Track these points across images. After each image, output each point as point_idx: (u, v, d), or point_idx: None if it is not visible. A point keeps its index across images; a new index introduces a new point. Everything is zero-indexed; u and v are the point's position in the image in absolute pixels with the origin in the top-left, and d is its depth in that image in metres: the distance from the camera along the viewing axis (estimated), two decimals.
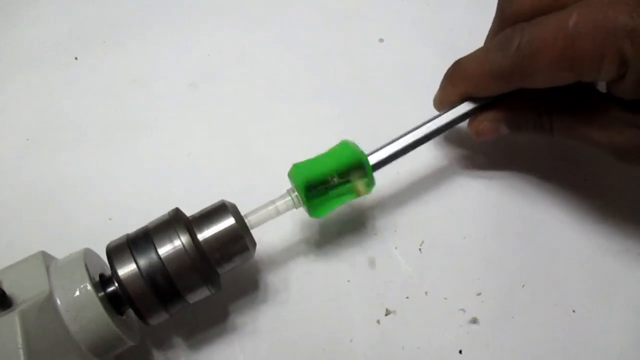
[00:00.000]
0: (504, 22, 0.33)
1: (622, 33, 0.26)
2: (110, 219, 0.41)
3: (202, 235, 0.31)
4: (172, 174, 0.42)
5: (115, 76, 0.47)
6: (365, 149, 0.42)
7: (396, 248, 0.38)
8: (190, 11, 0.49)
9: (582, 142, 0.33)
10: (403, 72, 0.45)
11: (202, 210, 0.33)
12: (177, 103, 0.45)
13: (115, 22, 0.49)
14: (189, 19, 0.49)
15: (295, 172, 0.33)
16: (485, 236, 0.38)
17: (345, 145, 0.34)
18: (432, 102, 0.38)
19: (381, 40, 0.47)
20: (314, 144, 0.43)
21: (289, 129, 0.43)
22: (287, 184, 0.41)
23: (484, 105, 0.36)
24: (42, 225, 0.41)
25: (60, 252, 0.33)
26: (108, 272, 0.32)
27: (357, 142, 0.43)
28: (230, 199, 0.39)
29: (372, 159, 0.34)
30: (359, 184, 0.34)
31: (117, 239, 0.32)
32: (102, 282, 0.31)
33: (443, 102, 0.37)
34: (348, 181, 0.33)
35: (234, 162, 0.42)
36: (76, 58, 0.47)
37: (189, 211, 0.34)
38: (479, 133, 0.36)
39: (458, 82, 0.35)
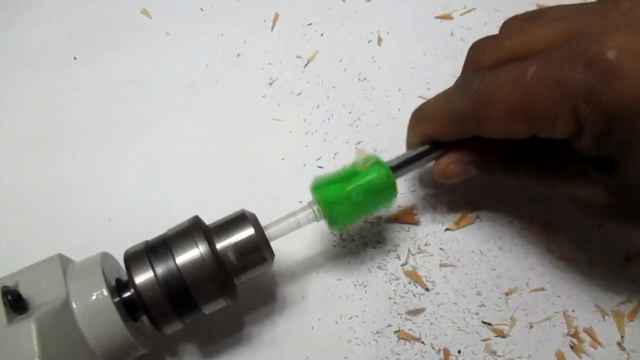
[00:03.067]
0: (469, 71, 0.33)
1: (577, 91, 0.26)
2: (109, 220, 0.41)
3: (220, 245, 0.31)
4: (171, 174, 0.42)
5: (115, 76, 0.47)
6: (368, 148, 0.42)
7: (408, 262, 0.38)
8: (189, 11, 0.49)
9: (546, 189, 0.33)
10: (403, 73, 0.45)
11: (222, 220, 0.33)
12: (176, 103, 0.45)
13: (115, 22, 0.49)
14: (188, 19, 0.49)
15: (317, 185, 0.33)
16: (489, 247, 0.38)
17: (368, 159, 0.34)
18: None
19: (381, 40, 0.47)
20: (315, 143, 0.43)
21: (289, 129, 0.44)
22: (288, 183, 0.41)
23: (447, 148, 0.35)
24: (42, 225, 0.41)
25: (60, 252, 0.33)
26: (124, 276, 0.33)
27: (355, 142, 0.43)
28: (230, 199, 0.39)
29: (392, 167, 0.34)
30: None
31: (136, 245, 0.32)
32: (118, 287, 0.31)
33: (407, 144, 0.37)
34: (369, 194, 0.33)
35: (234, 162, 0.42)
36: (75, 58, 0.47)
37: (190, 211, 0.34)
38: (446, 175, 0.35)
39: (420, 123, 0.35)
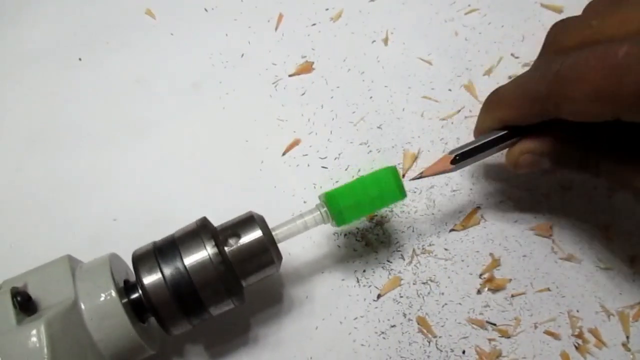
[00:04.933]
0: (549, 52, 0.32)
1: None
2: (115, 220, 0.41)
3: (228, 247, 0.31)
4: (175, 175, 0.42)
5: (119, 77, 0.47)
6: (370, 149, 0.42)
7: (412, 262, 0.38)
8: (194, 11, 0.49)
9: (628, 190, 0.31)
10: (407, 73, 0.45)
11: (230, 221, 0.33)
12: (180, 103, 0.45)
13: (119, 23, 0.49)
14: (192, 19, 0.49)
15: (329, 199, 0.33)
16: (493, 247, 0.39)
17: (383, 174, 0.34)
18: (438, 108, 0.38)
19: (387, 39, 0.47)
20: (319, 143, 0.43)
21: (293, 129, 0.44)
22: (292, 184, 0.41)
23: (520, 133, 0.34)
24: (46, 225, 0.41)
25: (65, 252, 0.33)
26: (132, 277, 0.33)
27: (359, 142, 0.43)
28: (234, 199, 0.39)
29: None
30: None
31: (144, 246, 0.32)
32: (126, 289, 0.31)
33: (478, 129, 0.36)
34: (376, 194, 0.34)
35: (238, 162, 0.43)
36: (80, 59, 0.47)
37: (194, 210, 0.34)
38: (517, 165, 0.34)
39: (493, 108, 0.34)
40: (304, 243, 0.39)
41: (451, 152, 0.34)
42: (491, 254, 0.38)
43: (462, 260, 0.38)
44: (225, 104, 0.45)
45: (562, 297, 0.37)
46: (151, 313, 0.30)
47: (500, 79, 0.44)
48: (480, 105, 0.36)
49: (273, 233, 0.33)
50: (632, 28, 0.27)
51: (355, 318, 0.37)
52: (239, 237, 0.31)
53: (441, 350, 0.35)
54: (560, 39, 0.31)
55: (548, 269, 0.37)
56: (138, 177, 0.42)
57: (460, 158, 0.34)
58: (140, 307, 0.31)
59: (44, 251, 0.33)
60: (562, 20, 0.32)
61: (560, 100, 0.29)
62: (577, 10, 0.32)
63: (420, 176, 0.35)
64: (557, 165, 0.34)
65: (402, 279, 0.38)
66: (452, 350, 0.35)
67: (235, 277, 0.31)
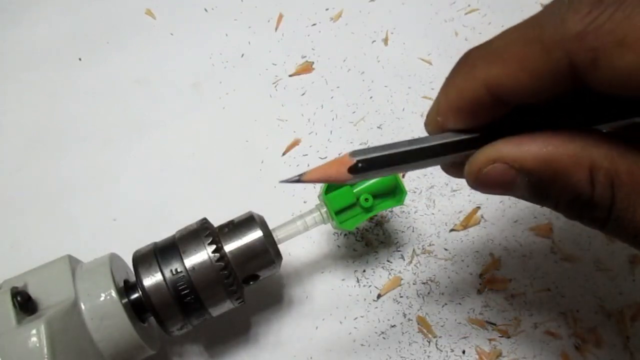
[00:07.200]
0: None
1: None
2: (114, 220, 0.41)
3: (228, 247, 0.31)
4: (176, 174, 0.42)
5: (119, 77, 0.46)
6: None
7: (412, 262, 0.39)
8: (194, 11, 0.49)
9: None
10: (406, 73, 0.45)
11: (230, 222, 0.33)
12: (180, 103, 0.45)
13: (119, 23, 0.49)
14: (192, 20, 0.49)
15: (329, 199, 0.33)
16: (493, 248, 0.39)
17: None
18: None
19: (387, 40, 0.47)
20: (319, 143, 0.43)
21: (293, 129, 0.44)
22: (292, 184, 0.41)
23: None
24: (46, 225, 0.41)
25: (65, 252, 0.33)
26: (132, 277, 0.33)
27: (359, 142, 0.43)
28: (234, 199, 0.39)
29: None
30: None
31: (145, 247, 0.32)
32: (126, 289, 0.31)
33: (443, 103, 0.23)
34: (378, 198, 0.34)
35: (238, 162, 0.43)
36: (80, 59, 0.47)
37: (194, 210, 0.34)
38: (479, 179, 0.23)
39: (475, 64, 0.21)
40: (304, 243, 0.39)
41: (353, 154, 0.22)
42: (491, 254, 0.38)
43: (462, 260, 0.38)
44: (225, 104, 0.45)
45: (562, 297, 0.37)
46: (151, 314, 0.30)
47: None
48: None
49: (273, 234, 0.33)
50: None
51: (355, 318, 0.37)
52: (239, 237, 0.31)
53: (441, 350, 0.36)
54: None
55: (548, 269, 0.37)
56: (138, 177, 0.42)
57: (366, 167, 0.22)
58: (140, 307, 0.31)
59: (44, 251, 0.34)
60: None
61: (607, 46, 0.18)
62: None
63: (298, 180, 0.22)
64: (535, 196, 0.22)
65: (402, 279, 0.38)
66: (452, 350, 0.36)
67: (236, 278, 0.31)
